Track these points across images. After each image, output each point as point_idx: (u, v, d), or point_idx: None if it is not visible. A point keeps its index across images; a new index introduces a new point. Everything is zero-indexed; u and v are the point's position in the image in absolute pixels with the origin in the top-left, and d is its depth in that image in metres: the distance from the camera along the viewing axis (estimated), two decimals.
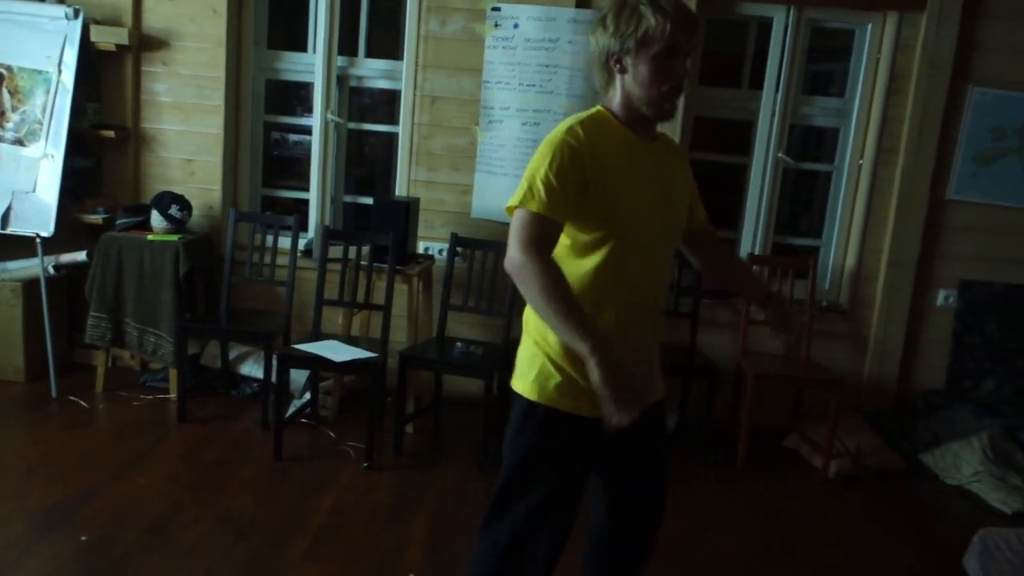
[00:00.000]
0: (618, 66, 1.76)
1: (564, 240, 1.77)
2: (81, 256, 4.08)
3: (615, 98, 1.80)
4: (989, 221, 4.17)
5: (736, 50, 4.34)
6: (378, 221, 3.87)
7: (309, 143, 4.49)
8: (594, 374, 1.59)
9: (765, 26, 4.19)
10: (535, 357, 1.83)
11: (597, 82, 1.83)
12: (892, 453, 3.95)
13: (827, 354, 4.21)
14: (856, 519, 3.45)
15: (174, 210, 4.02)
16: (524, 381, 1.84)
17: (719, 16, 4.19)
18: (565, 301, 1.63)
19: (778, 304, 2.03)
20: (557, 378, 1.79)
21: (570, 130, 1.73)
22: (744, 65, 4.30)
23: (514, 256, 1.66)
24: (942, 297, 4.26)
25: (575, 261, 1.77)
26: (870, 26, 4.11)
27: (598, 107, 1.83)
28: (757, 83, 4.24)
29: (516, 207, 1.71)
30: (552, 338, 1.78)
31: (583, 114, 1.80)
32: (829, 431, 3.77)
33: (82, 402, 3.94)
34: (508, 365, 3.82)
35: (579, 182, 1.70)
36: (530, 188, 1.69)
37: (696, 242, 2.07)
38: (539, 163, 1.70)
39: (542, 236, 1.68)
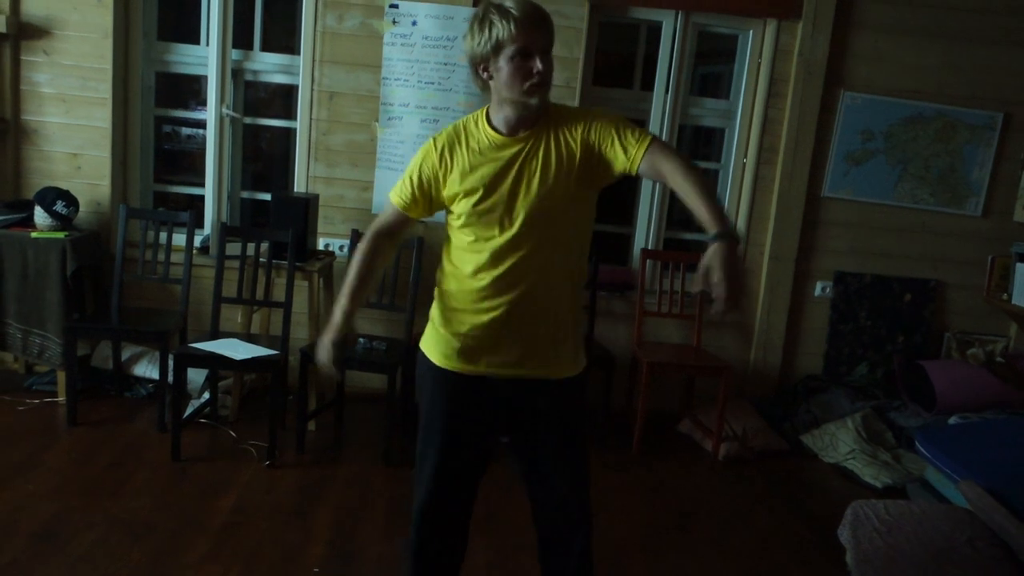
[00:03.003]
0: (485, 73, 1.93)
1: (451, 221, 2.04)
2: None
3: (492, 99, 1.98)
4: (860, 217, 4.48)
5: (628, 52, 4.51)
6: (276, 217, 3.83)
7: (202, 137, 4.39)
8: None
9: (655, 30, 4.36)
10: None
11: (477, 88, 2.01)
12: (775, 435, 4.20)
13: (715, 342, 4.43)
14: (743, 497, 3.66)
15: (60, 206, 3.87)
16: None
17: (611, 19, 4.34)
18: (353, 274, 2.05)
19: (721, 248, 1.65)
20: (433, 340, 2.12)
21: (432, 138, 2.03)
22: (635, 67, 4.46)
23: None
24: (819, 288, 4.55)
25: (454, 239, 2.04)
26: (751, 32, 4.34)
27: (481, 110, 2.02)
28: (648, 85, 4.41)
29: None
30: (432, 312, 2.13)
31: (459, 120, 2.04)
32: (718, 416, 3.98)
33: None
34: (410, 360, 3.87)
35: (427, 181, 2.00)
36: (397, 183, 2.08)
37: (650, 175, 1.91)
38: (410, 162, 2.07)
39: (385, 219, 2.10)
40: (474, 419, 2.09)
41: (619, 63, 4.58)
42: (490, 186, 1.94)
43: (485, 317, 1.99)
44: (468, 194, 1.95)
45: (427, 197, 2.02)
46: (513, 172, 1.94)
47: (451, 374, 2.05)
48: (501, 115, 1.96)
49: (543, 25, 1.87)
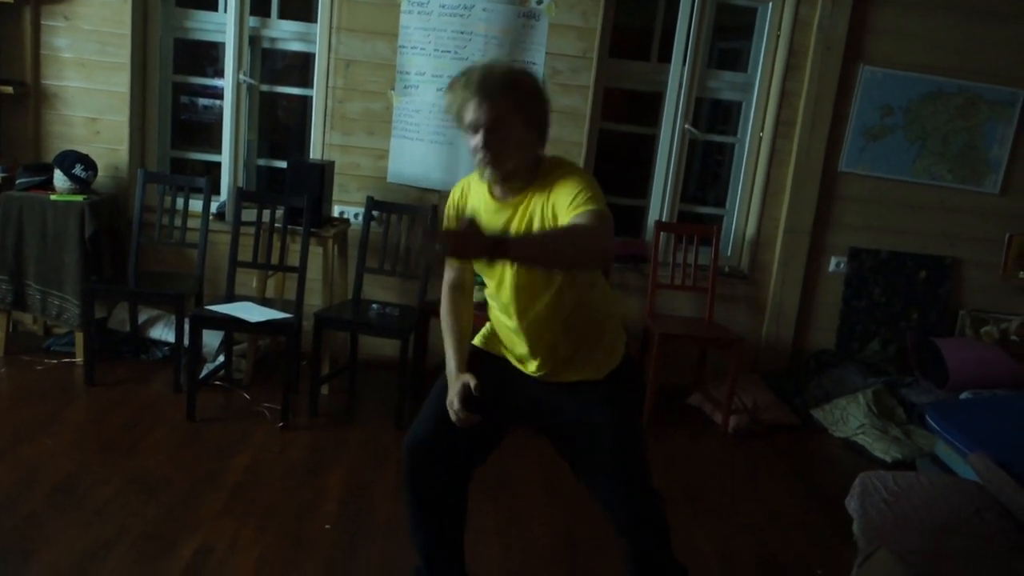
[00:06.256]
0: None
1: None
2: None
3: None
4: (876, 193, 4.45)
5: (646, 24, 4.48)
6: (292, 184, 3.85)
7: (218, 108, 4.41)
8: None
9: (673, 1, 4.32)
10: None
11: None
12: (786, 409, 4.21)
13: (728, 316, 4.43)
14: (752, 469, 3.67)
15: (79, 170, 3.91)
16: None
17: None
18: (446, 335, 2.14)
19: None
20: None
21: (455, 188, 2.09)
22: (653, 39, 4.44)
23: None
24: (833, 263, 4.53)
25: None
26: (771, 4, 4.30)
27: None
28: (666, 57, 4.38)
29: None
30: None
31: (472, 174, 2.04)
32: (728, 388, 3.99)
33: None
34: (423, 327, 3.90)
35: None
36: None
37: None
38: None
39: (447, 275, 2.17)
40: (493, 388, 2.09)
41: (637, 35, 4.55)
42: None
43: (511, 339, 2.08)
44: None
45: None
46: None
47: (485, 352, 2.16)
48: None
49: (491, 100, 1.80)
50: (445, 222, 2.10)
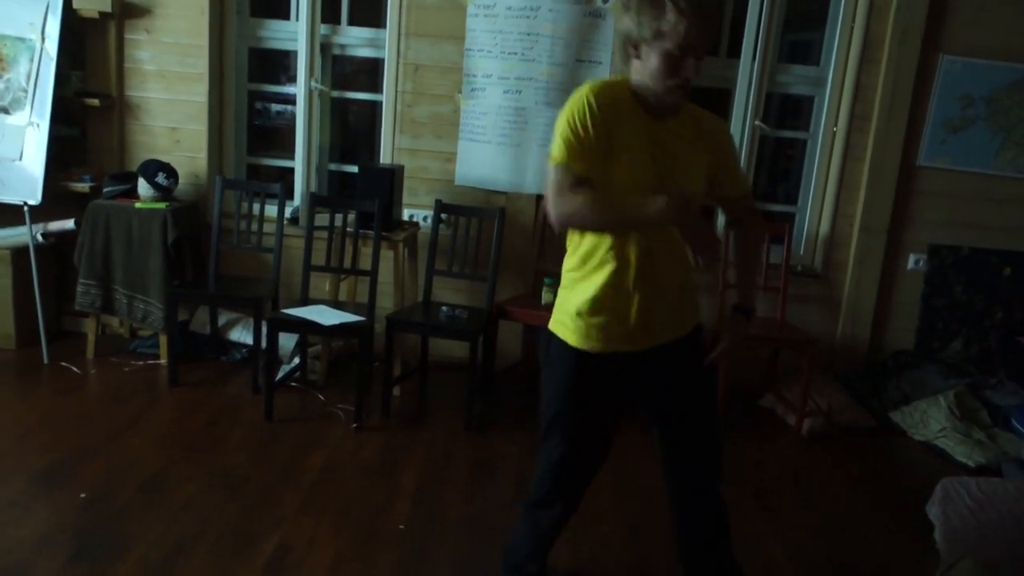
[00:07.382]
0: (634, 51, 1.89)
1: None
2: (69, 224, 4.12)
3: (632, 76, 1.95)
4: (957, 187, 4.30)
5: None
6: (363, 188, 3.93)
7: (290, 114, 4.53)
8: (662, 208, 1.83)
9: None
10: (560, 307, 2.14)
11: (619, 58, 1.98)
12: (862, 411, 4.10)
13: (801, 316, 4.34)
14: (827, 473, 3.60)
15: (161, 178, 4.06)
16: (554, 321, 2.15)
17: None
18: (609, 208, 1.90)
19: (736, 321, 2.24)
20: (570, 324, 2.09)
21: (588, 91, 1.89)
22: (722, 34, 4.37)
23: (551, 210, 1.91)
24: (912, 261, 4.39)
25: None
26: None
27: (623, 76, 1.98)
28: (735, 51, 4.32)
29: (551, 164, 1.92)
30: (568, 304, 2.09)
31: (605, 79, 1.99)
32: (802, 390, 3.91)
33: (74, 368, 4.01)
34: (492, 329, 3.94)
35: (590, 134, 1.87)
36: (555, 144, 1.90)
37: (729, 212, 2.25)
38: (561, 120, 1.90)
39: (565, 182, 1.88)
40: (606, 391, 2.15)
41: None
42: (628, 156, 1.90)
43: (622, 295, 2.01)
44: (626, 169, 1.90)
45: (589, 149, 1.88)
46: (653, 151, 1.93)
47: (586, 354, 2.08)
48: (645, 96, 1.93)
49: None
50: (581, 118, 1.86)
